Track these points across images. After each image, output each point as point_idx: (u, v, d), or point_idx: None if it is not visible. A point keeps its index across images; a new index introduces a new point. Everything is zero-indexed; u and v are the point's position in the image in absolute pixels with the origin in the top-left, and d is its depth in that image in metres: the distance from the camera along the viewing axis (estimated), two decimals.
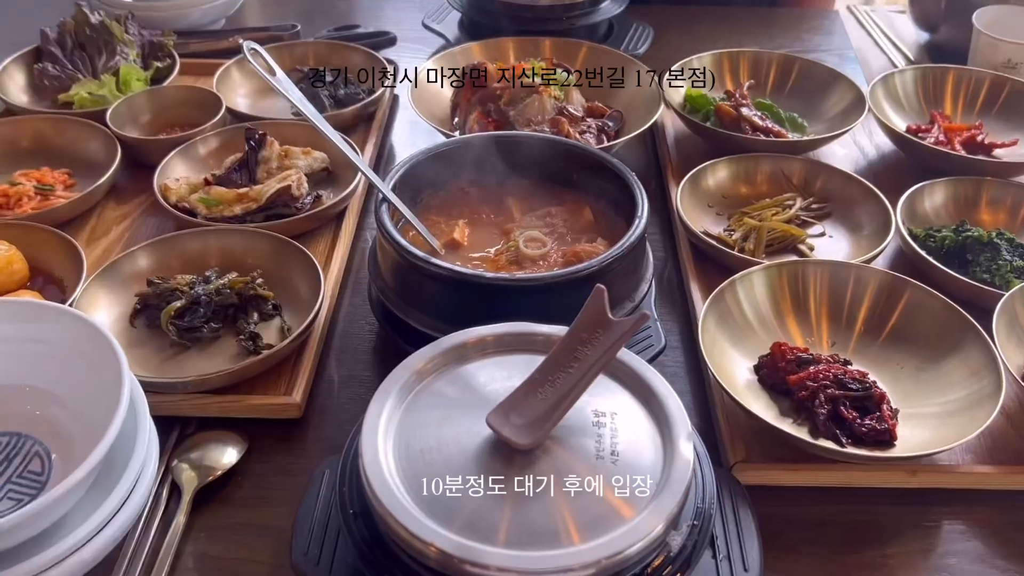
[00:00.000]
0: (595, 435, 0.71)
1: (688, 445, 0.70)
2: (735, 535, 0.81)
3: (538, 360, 0.76)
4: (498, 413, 0.71)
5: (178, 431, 0.95)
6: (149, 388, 0.90)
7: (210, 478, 0.90)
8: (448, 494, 0.68)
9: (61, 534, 0.73)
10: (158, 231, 1.21)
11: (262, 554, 0.84)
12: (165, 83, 1.50)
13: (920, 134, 1.35)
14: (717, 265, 1.13)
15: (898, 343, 0.98)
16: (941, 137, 1.34)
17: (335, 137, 1.02)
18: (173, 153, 1.29)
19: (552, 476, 0.68)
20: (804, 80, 1.48)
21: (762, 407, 0.92)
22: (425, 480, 0.69)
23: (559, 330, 0.80)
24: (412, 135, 1.51)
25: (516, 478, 0.68)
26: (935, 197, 1.22)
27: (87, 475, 0.72)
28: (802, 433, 0.89)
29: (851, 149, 1.43)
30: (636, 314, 0.69)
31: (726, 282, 0.99)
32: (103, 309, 1.04)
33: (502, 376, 0.77)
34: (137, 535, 0.84)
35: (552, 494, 0.67)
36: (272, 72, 1.02)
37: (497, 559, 0.65)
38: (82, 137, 1.34)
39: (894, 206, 1.16)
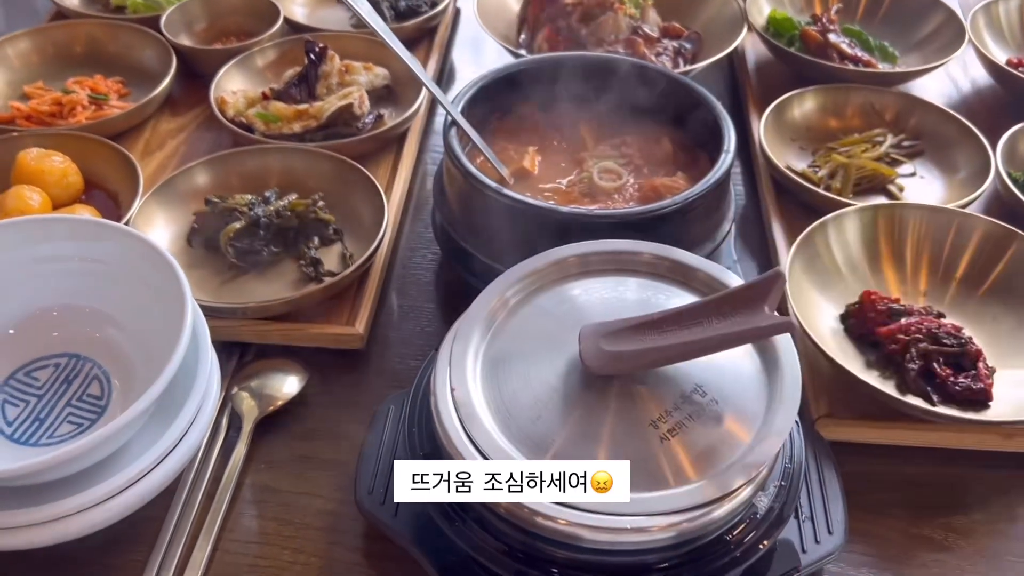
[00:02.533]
0: (693, 384, 0.66)
1: (792, 410, 0.65)
2: (819, 495, 0.77)
3: (631, 281, 0.73)
4: (591, 332, 0.66)
5: (237, 358, 0.92)
6: (209, 312, 0.87)
7: (271, 408, 0.87)
8: (523, 439, 0.64)
9: (123, 463, 0.71)
10: (214, 146, 1.17)
11: (324, 489, 0.82)
12: None
13: (1022, 68, 1.26)
14: (800, 204, 1.07)
15: (998, 298, 0.92)
16: None
17: (404, 53, 0.96)
18: (230, 64, 1.24)
19: (640, 422, 0.64)
20: (898, 6, 1.38)
21: (848, 359, 0.87)
22: (500, 422, 0.65)
23: (653, 247, 0.76)
24: (476, 53, 1.44)
25: (603, 421, 0.64)
26: None
27: (150, 405, 0.70)
28: (890, 388, 0.84)
29: (944, 83, 1.34)
30: (784, 319, 0.62)
31: (816, 223, 0.93)
32: (160, 227, 1.01)
33: (581, 309, 0.72)
34: (197, 464, 0.82)
35: (637, 442, 0.63)
36: None
37: (569, 515, 0.62)
38: (136, 44, 1.30)
39: (993, 147, 1.09)
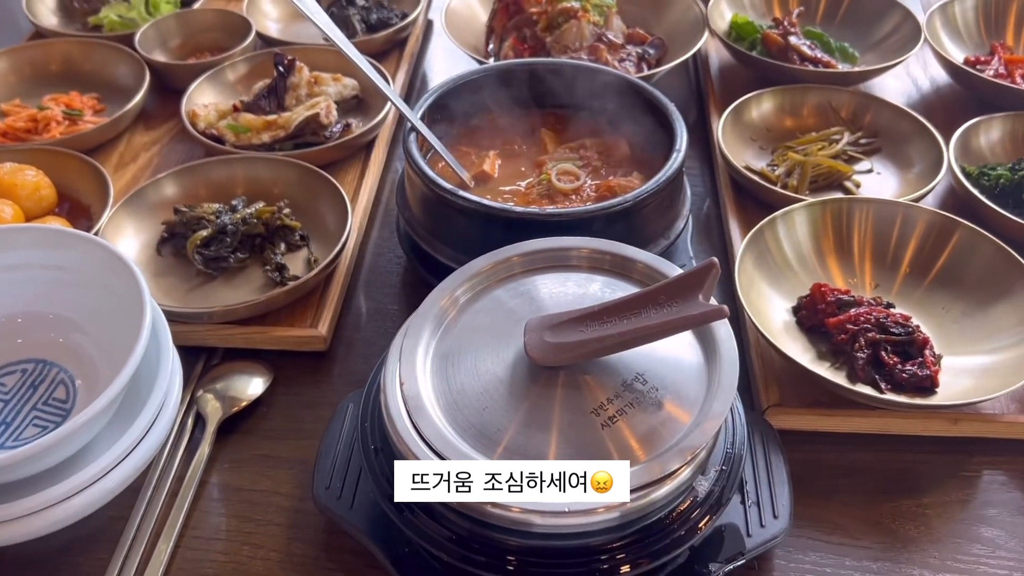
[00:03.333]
0: (634, 373, 0.68)
1: (729, 395, 0.67)
2: (765, 480, 0.78)
3: (575, 276, 0.76)
4: (535, 325, 0.69)
5: (203, 361, 0.94)
6: (174, 317, 0.90)
7: (234, 409, 0.89)
8: (470, 430, 0.66)
9: (85, 461, 0.73)
10: (186, 158, 1.20)
11: (285, 486, 0.84)
12: (195, 6, 1.48)
13: (979, 66, 1.28)
14: (758, 202, 1.09)
15: (944, 287, 0.94)
16: (1001, 69, 1.27)
17: (362, 63, 0.99)
18: (202, 78, 1.26)
19: (583, 411, 0.66)
20: (857, 7, 1.41)
21: (799, 350, 0.89)
22: (449, 414, 0.67)
23: (593, 243, 0.78)
24: (446, 63, 1.47)
25: (549, 410, 0.66)
26: (991, 133, 1.16)
27: (111, 402, 0.72)
28: (839, 378, 0.86)
29: (904, 82, 1.36)
30: (717, 306, 0.64)
31: (766, 219, 0.95)
32: (130, 237, 1.03)
33: (527, 304, 0.74)
34: (162, 464, 0.84)
35: (582, 429, 0.65)
36: None
37: (516, 501, 0.64)
38: (111, 61, 1.33)
39: (947, 142, 1.10)
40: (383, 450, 0.72)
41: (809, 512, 0.81)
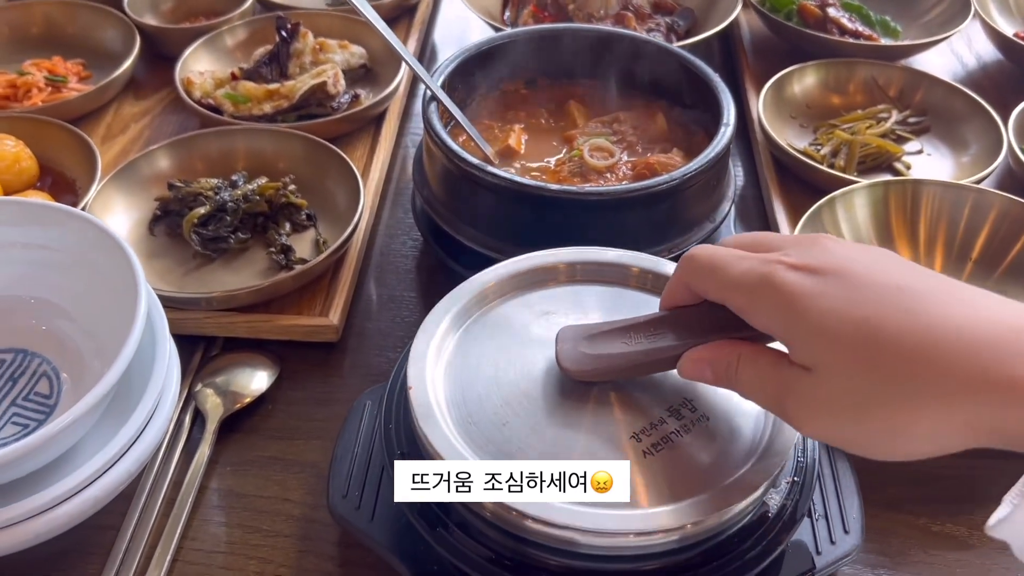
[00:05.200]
0: (681, 398, 0.60)
1: (791, 436, 0.59)
2: (833, 491, 0.71)
3: (613, 292, 0.67)
4: (570, 334, 0.61)
5: (201, 352, 0.86)
6: (169, 303, 0.81)
7: (237, 406, 0.80)
8: (511, 437, 0.58)
9: (72, 466, 0.65)
10: (180, 130, 1.11)
11: (295, 492, 0.75)
12: None
13: None
14: (802, 183, 1.01)
15: (1017, 279, 0.86)
16: None
17: (377, 22, 0.90)
18: (197, 44, 1.17)
19: (619, 435, 0.58)
20: None
21: None
22: (484, 420, 0.59)
23: (650, 262, 0.69)
24: (459, 32, 1.38)
25: (578, 430, 0.58)
26: None
27: (100, 400, 0.63)
28: None
29: (948, 58, 1.29)
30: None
31: (823, 200, 0.87)
32: (120, 214, 0.94)
33: (570, 311, 0.66)
34: (156, 468, 0.76)
35: (615, 455, 0.57)
36: None
37: (566, 516, 0.56)
38: (97, 24, 1.23)
39: (1004, 122, 1.03)
40: (411, 456, 0.64)
41: (875, 525, 0.73)
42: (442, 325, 0.65)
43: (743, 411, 0.60)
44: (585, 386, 0.59)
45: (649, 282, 0.69)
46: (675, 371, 0.57)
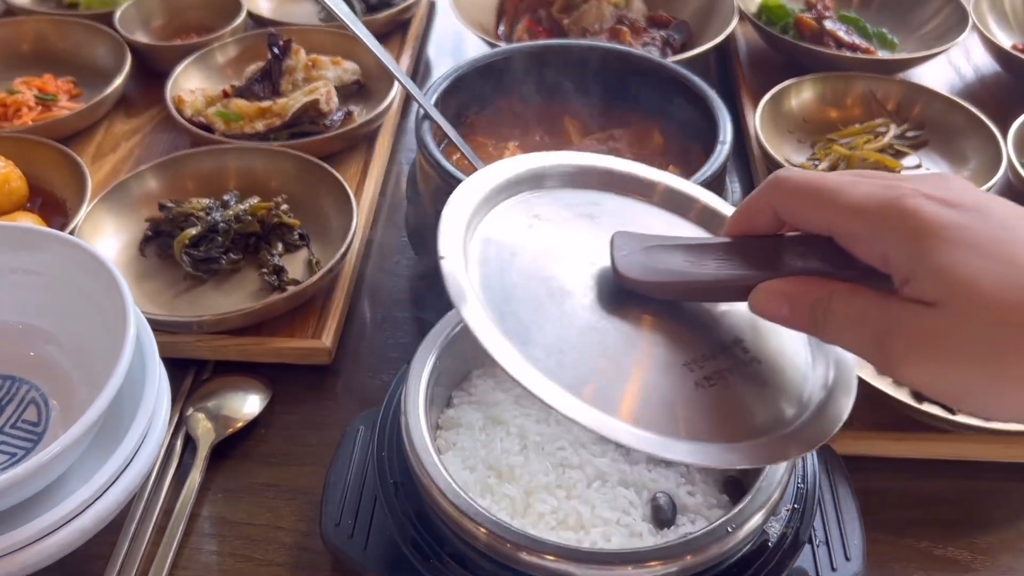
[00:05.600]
0: (734, 336, 0.53)
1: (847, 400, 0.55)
2: (834, 517, 0.69)
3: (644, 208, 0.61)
4: (626, 239, 0.53)
5: (192, 376, 0.84)
6: (160, 327, 0.80)
7: (229, 430, 0.79)
8: (552, 338, 0.50)
9: (60, 495, 0.63)
10: (172, 148, 1.10)
11: (287, 519, 0.74)
12: None
13: None
14: None
15: None
16: None
17: (369, 40, 0.89)
18: (188, 61, 1.16)
19: (674, 361, 0.51)
20: None
21: (860, 364, 0.79)
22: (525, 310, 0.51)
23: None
24: (453, 47, 1.37)
25: (645, 337, 0.52)
26: None
27: (88, 429, 0.62)
28: (904, 395, 0.77)
29: (947, 71, 1.28)
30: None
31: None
32: (110, 235, 0.93)
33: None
34: (147, 495, 0.75)
35: (671, 379, 0.50)
36: None
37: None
38: (88, 42, 1.22)
39: (1003, 136, 1.02)
40: (404, 485, 0.63)
41: (877, 550, 0.72)
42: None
43: (793, 362, 0.55)
44: (638, 301, 0.52)
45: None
46: (735, 305, 0.53)
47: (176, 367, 0.81)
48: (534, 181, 0.60)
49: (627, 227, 0.54)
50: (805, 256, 0.49)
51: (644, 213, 0.61)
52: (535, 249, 0.54)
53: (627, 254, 0.52)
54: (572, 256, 0.54)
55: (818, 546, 0.68)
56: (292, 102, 1.07)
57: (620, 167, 0.63)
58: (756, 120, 1.05)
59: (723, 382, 0.51)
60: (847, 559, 0.67)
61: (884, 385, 0.77)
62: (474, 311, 0.48)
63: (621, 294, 0.52)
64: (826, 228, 0.47)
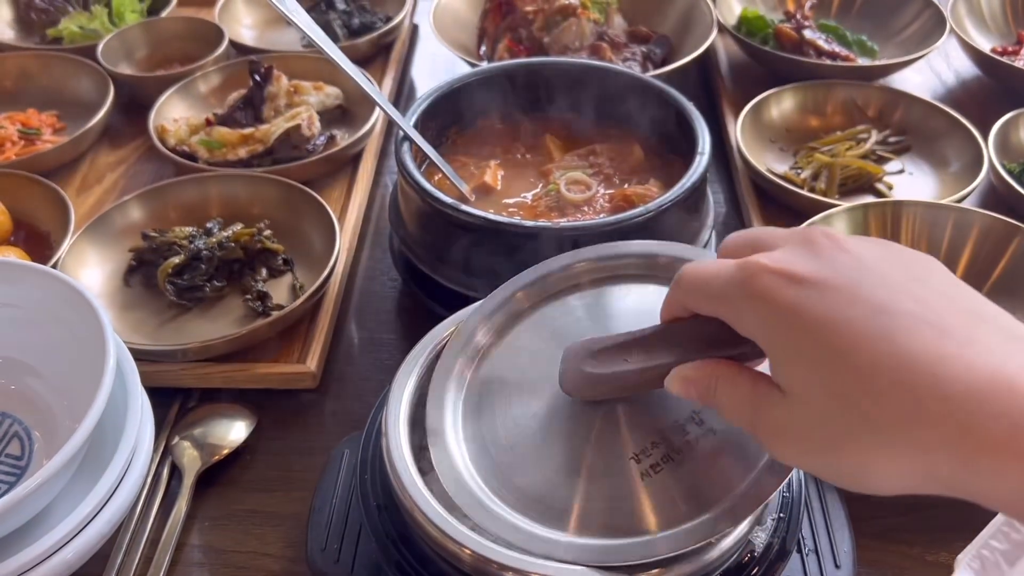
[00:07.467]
0: (688, 411, 0.56)
1: None
2: (822, 524, 0.69)
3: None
4: (575, 352, 0.57)
5: (178, 405, 0.84)
6: (144, 356, 0.80)
7: (215, 458, 0.79)
8: (515, 463, 0.56)
9: (43, 529, 0.63)
10: (157, 178, 1.10)
11: (274, 546, 0.74)
12: (162, 14, 1.37)
13: (1007, 56, 1.20)
14: (783, 208, 1.00)
15: (1002, 296, 0.85)
16: None
17: (346, 64, 0.89)
18: (171, 91, 1.16)
19: (620, 456, 0.55)
20: None
21: None
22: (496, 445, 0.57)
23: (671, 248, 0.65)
24: (435, 68, 1.37)
25: (595, 439, 0.56)
26: None
27: (69, 460, 0.62)
28: None
29: (927, 76, 1.28)
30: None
31: (803, 227, 0.86)
32: (94, 266, 0.93)
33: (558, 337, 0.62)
34: (134, 525, 0.74)
35: (616, 479, 0.54)
36: None
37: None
38: (71, 75, 1.22)
39: (984, 138, 1.02)
40: (387, 507, 0.62)
41: (868, 556, 0.71)
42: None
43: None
44: (593, 405, 0.56)
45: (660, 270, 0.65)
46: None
47: (162, 396, 0.81)
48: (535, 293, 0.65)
49: (616, 319, 0.62)
50: (712, 337, 0.51)
51: (637, 293, 0.65)
52: (514, 383, 0.60)
53: (566, 369, 0.57)
54: (539, 379, 0.59)
55: (807, 554, 0.67)
56: (274, 128, 1.07)
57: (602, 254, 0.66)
58: (737, 130, 1.05)
59: (669, 465, 0.54)
60: (837, 567, 0.66)
61: None
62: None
63: (579, 404, 0.57)
64: (714, 315, 0.49)
